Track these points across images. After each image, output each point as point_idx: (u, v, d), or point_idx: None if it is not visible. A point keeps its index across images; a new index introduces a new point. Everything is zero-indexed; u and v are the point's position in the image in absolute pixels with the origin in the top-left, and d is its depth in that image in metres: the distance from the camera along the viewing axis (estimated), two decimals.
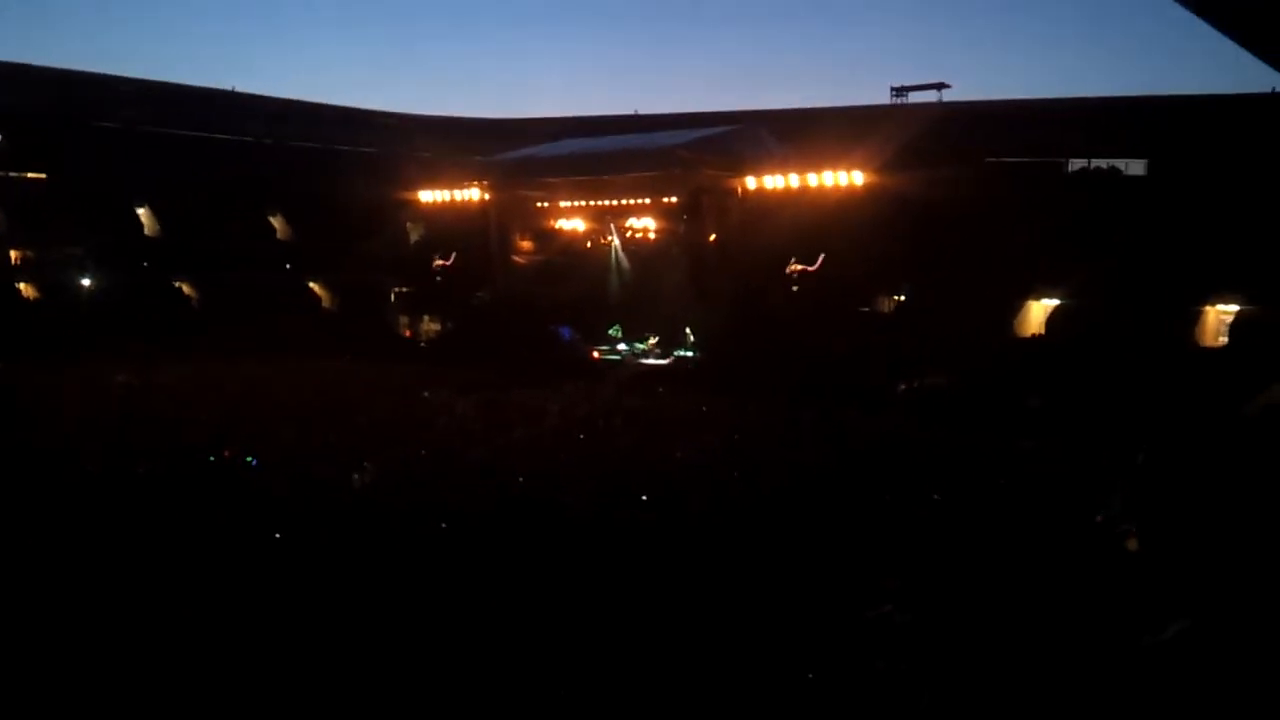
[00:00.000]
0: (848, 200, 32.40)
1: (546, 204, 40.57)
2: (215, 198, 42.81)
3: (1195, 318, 28.36)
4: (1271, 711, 8.33)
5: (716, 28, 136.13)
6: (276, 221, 46.10)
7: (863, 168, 32.01)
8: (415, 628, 9.69)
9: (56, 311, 37.39)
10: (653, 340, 35.76)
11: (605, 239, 39.55)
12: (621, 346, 36.20)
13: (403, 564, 11.51)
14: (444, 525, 13.18)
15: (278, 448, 17.72)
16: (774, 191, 33.69)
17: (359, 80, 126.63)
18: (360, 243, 42.22)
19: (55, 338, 31.86)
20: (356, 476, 15.88)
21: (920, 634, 9.55)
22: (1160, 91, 43.51)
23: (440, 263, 42.83)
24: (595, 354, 35.46)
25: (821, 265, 33.86)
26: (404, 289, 44.82)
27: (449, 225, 42.65)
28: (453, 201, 40.91)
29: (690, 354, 34.37)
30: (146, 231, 42.76)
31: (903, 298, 33.95)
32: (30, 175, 41.19)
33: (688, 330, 35.09)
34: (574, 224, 40.74)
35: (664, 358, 34.76)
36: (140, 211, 42.70)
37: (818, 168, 32.55)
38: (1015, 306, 31.24)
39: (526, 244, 41.85)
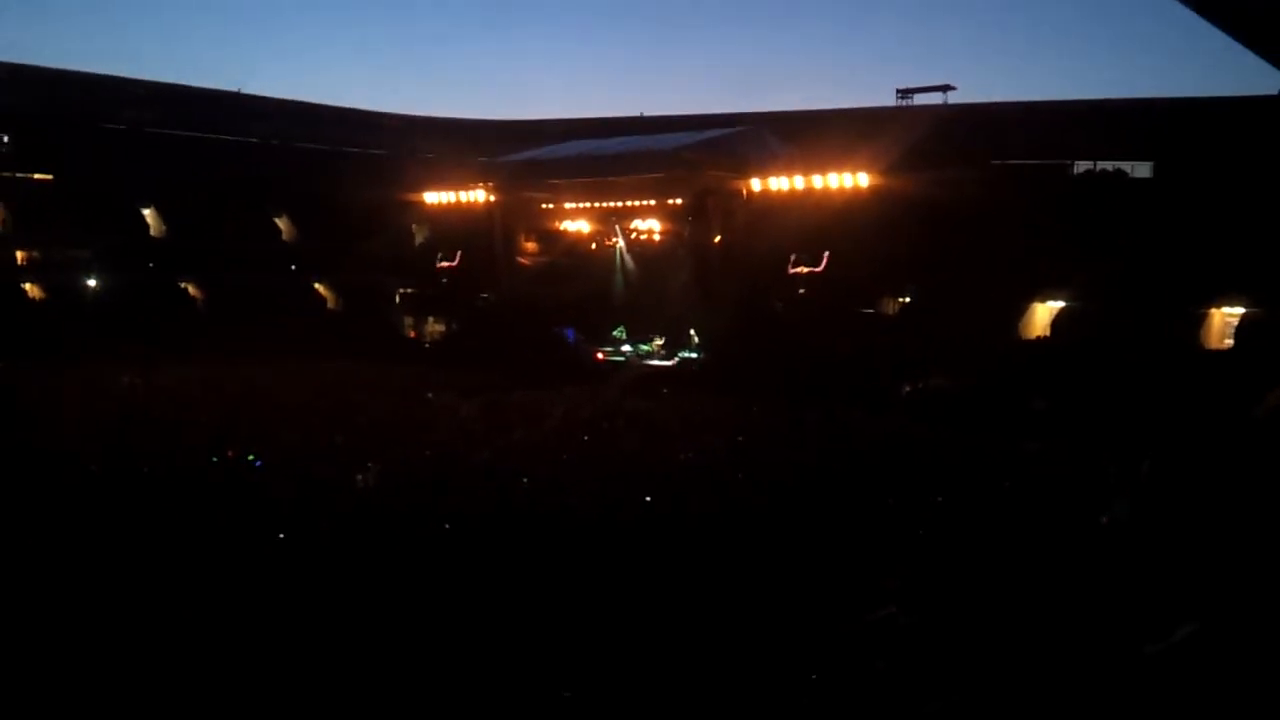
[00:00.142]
0: (852, 202, 32.30)
1: (551, 205, 40.52)
2: (221, 199, 42.91)
3: (1201, 320, 28.33)
4: (1278, 717, 8.28)
5: (721, 29, 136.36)
6: (282, 223, 46.18)
7: (867, 170, 31.89)
8: (417, 629, 9.67)
9: (62, 312, 37.53)
10: (657, 342, 35.74)
11: (610, 240, 39.50)
12: (626, 348, 36.17)
13: (405, 565, 11.49)
14: (446, 527, 13.16)
15: (281, 448, 17.71)
16: (779, 193, 33.59)
17: (363, 81, 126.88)
18: (365, 244, 42.29)
19: (60, 338, 31.90)
20: (360, 478, 15.89)
21: (924, 636, 9.52)
22: (1166, 94, 43.47)
23: (445, 264, 42.86)
24: (600, 355, 35.44)
25: (826, 267, 33.86)
26: (408, 290, 44.92)
27: (454, 226, 42.63)
28: (458, 203, 40.87)
29: (695, 355, 34.32)
30: (152, 232, 42.84)
31: (907, 299, 33.95)
32: (36, 176, 41.28)
33: (692, 332, 35.08)
34: (579, 225, 40.66)
35: (668, 359, 34.71)
36: (146, 212, 42.78)
37: (822, 170, 32.44)
38: (1020, 308, 31.24)
39: (531, 245, 41.81)
